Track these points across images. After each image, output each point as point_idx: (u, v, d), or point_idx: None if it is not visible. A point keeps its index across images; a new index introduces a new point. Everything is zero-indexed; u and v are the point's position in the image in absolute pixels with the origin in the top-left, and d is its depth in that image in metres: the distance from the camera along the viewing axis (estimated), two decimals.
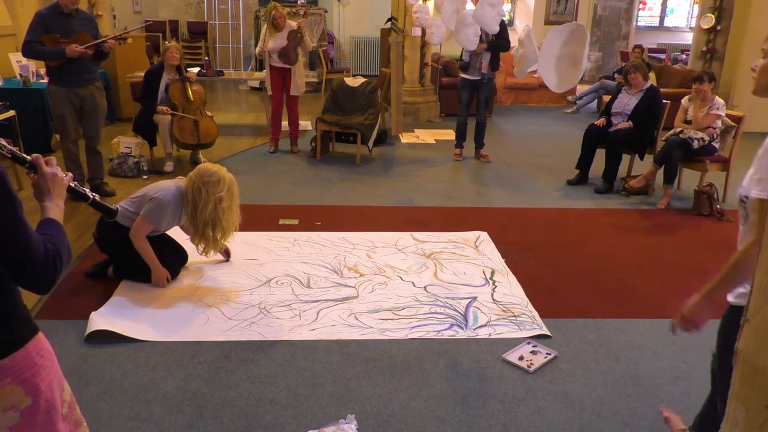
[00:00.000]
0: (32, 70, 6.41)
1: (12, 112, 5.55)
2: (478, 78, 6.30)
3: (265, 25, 6.40)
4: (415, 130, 8.04)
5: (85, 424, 1.55)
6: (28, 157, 1.44)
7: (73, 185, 1.53)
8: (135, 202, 3.45)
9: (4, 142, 1.42)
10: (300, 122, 8.14)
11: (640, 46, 9.49)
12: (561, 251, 4.22)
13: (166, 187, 3.45)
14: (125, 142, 5.78)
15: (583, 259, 4.10)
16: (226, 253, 3.89)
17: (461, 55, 6.39)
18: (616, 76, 9.60)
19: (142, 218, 3.35)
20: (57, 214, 1.43)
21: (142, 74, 6.20)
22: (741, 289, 1.70)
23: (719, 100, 5.26)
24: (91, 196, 1.59)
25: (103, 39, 4.66)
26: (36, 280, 1.30)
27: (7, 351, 1.30)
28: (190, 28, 12.58)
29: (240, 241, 3.97)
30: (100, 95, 4.87)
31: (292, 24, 6.33)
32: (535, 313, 3.32)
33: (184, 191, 3.41)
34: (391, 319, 3.21)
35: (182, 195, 3.42)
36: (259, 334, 3.03)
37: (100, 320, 3.02)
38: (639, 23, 14.26)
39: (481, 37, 5.96)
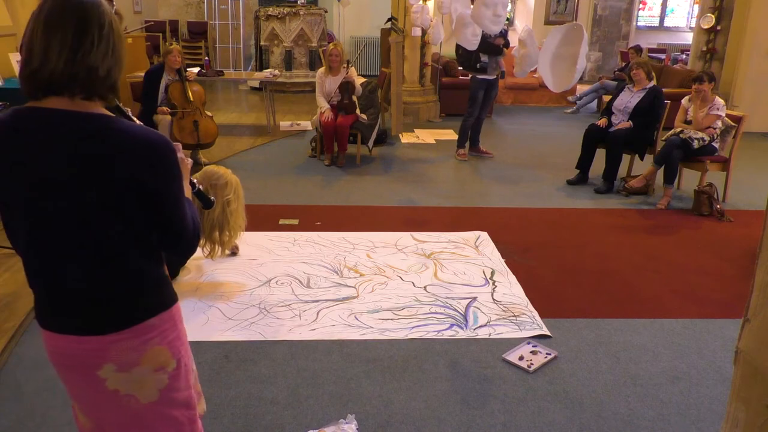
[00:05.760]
0: None
1: None
2: (494, 77, 6.42)
3: (322, 69, 6.17)
4: (415, 130, 8.04)
5: (203, 397, 1.61)
6: None
7: None
8: None
9: None
10: (300, 122, 8.17)
11: (636, 47, 9.49)
12: (561, 251, 4.22)
13: None
14: None
15: (583, 259, 4.10)
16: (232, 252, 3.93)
17: (479, 58, 6.25)
18: (616, 73, 9.60)
19: None
20: (187, 193, 1.54)
21: (142, 74, 6.19)
22: None
23: (719, 100, 5.25)
24: (198, 186, 1.73)
25: None
26: (184, 247, 1.43)
27: (158, 309, 1.40)
28: (190, 28, 12.57)
29: (240, 241, 3.97)
30: None
31: (352, 72, 6.06)
32: (535, 313, 3.32)
33: None
34: (391, 319, 3.21)
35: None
36: (259, 334, 3.03)
37: None
38: (639, 23, 14.26)
39: (492, 34, 5.98)
